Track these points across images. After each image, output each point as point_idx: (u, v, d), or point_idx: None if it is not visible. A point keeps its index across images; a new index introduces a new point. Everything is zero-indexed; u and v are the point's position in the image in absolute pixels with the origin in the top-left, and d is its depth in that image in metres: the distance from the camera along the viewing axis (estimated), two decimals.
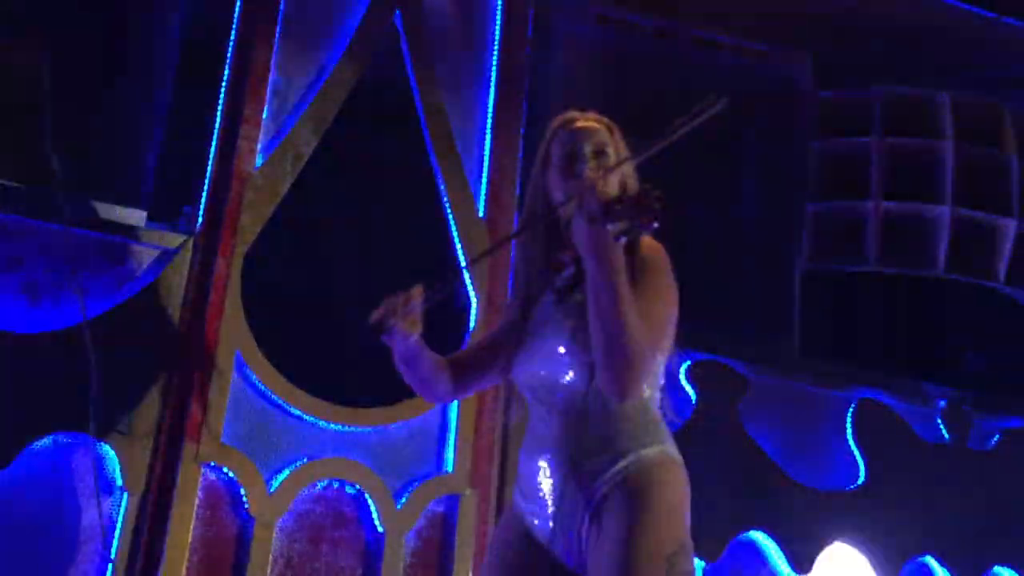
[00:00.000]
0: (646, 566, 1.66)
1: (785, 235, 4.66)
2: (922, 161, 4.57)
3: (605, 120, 1.99)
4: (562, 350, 1.84)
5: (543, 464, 1.86)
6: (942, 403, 4.53)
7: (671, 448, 1.84)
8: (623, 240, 1.64)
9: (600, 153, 1.92)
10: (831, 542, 4.06)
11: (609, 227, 1.62)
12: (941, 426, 4.48)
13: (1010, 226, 4.58)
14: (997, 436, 4.56)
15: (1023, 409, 4.64)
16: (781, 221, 4.71)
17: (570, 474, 1.80)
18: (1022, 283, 4.66)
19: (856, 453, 4.27)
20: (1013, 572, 4.42)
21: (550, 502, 1.83)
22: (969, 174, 4.55)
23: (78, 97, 3.56)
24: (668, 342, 1.84)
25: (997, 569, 4.33)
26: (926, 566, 4.20)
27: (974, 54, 5.05)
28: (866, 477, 4.21)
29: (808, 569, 3.98)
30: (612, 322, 1.66)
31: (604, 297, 1.66)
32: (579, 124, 1.96)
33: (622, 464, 1.78)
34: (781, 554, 3.96)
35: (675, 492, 1.77)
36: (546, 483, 1.84)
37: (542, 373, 1.88)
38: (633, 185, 1.91)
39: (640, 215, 1.59)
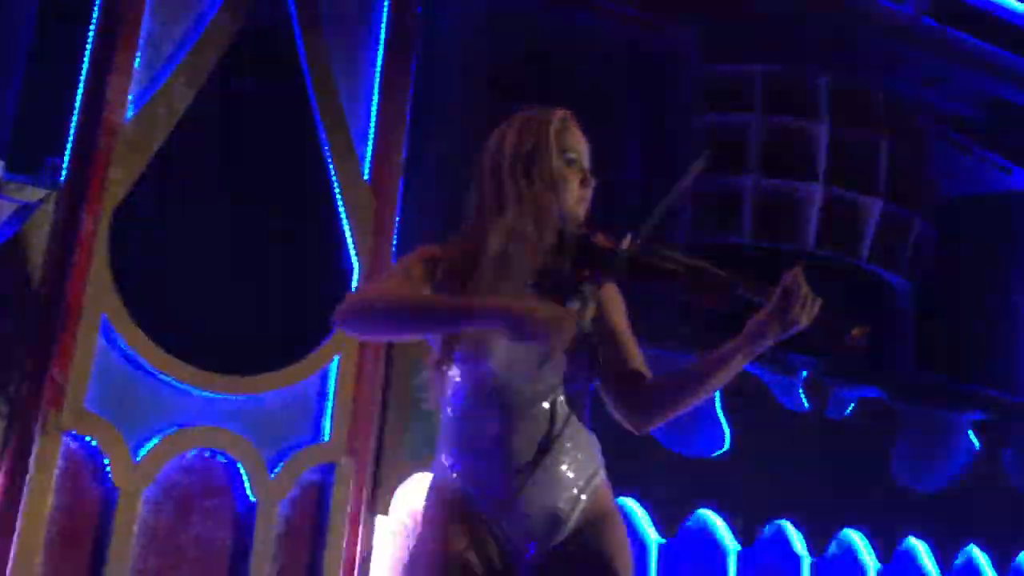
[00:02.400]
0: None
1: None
2: (799, 140, 4.71)
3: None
4: (546, 363, 1.80)
5: (510, 473, 1.78)
6: (804, 373, 4.74)
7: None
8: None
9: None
10: (696, 506, 4.23)
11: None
12: (802, 395, 4.70)
13: (876, 206, 4.78)
14: (852, 405, 4.82)
15: (877, 379, 4.92)
16: (663, 192, 4.78)
17: (543, 485, 1.77)
18: (883, 260, 4.89)
19: (723, 421, 4.44)
20: (986, 555, 4.72)
21: (516, 512, 1.77)
22: (841, 154, 4.72)
23: None
24: None
25: (910, 541, 4.62)
26: (782, 529, 4.44)
27: (857, 29, 5.21)
28: (731, 444, 4.39)
29: (674, 533, 4.15)
30: (699, 399, 1.82)
31: (720, 382, 1.79)
32: (577, 131, 1.90)
33: (597, 481, 1.81)
34: (649, 518, 4.11)
35: None
36: (511, 491, 1.78)
37: (518, 379, 1.81)
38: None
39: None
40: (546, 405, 1.81)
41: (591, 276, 1.78)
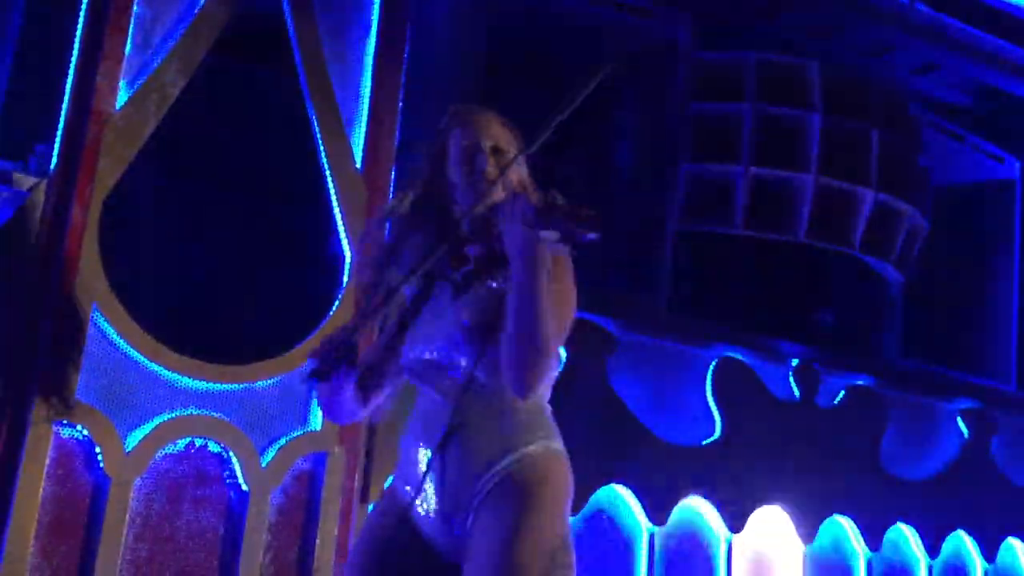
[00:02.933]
0: (528, 564, 1.70)
1: (659, 195, 4.74)
2: (791, 129, 4.70)
3: (501, 117, 1.98)
4: (457, 338, 1.83)
5: (426, 451, 1.86)
6: (794, 361, 4.76)
7: (557, 443, 1.88)
8: (561, 247, 1.69)
9: (497, 150, 1.94)
10: (686, 494, 4.25)
11: (544, 233, 1.67)
12: (792, 383, 4.72)
13: (868, 196, 4.79)
14: (842, 393, 4.85)
15: (866, 367, 4.94)
16: (655, 181, 4.78)
17: (458, 462, 1.81)
18: (875, 250, 4.90)
19: (713, 409, 4.45)
20: (974, 542, 4.75)
21: (432, 490, 1.84)
22: (833, 144, 4.72)
23: None
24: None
25: (899, 527, 4.64)
26: (771, 516, 4.46)
27: (850, 17, 5.19)
28: (721, 432, 4.41)
29: (664, 521, 4.17)
30: (531, 323, 1.73)
31: (528, 300, 1.73)
32: (476, 117, 1.97)
33: (512, 458, 1.81)
34: (640, 506, 4.12)
35: (560, 488, 1.82)
36: (427, 469, 1.84)
37: (433, 357, 1.87)
38: (527, 180, 1.93)
39: (579, 225, 1.66)
40: (450, 386, 1.86)
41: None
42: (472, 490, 1.79)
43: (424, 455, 1.86)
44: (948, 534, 4.86)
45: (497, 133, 1.96)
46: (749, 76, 4.75)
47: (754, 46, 4.83)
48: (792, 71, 4.80)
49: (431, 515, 1.84)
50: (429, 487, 1.84)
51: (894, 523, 4.73)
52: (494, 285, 1.83)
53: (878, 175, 4.78)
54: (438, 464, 1.83)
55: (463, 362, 1.84)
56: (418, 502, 1.85)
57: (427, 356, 1.88)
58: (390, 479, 2.00)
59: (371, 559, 1.89)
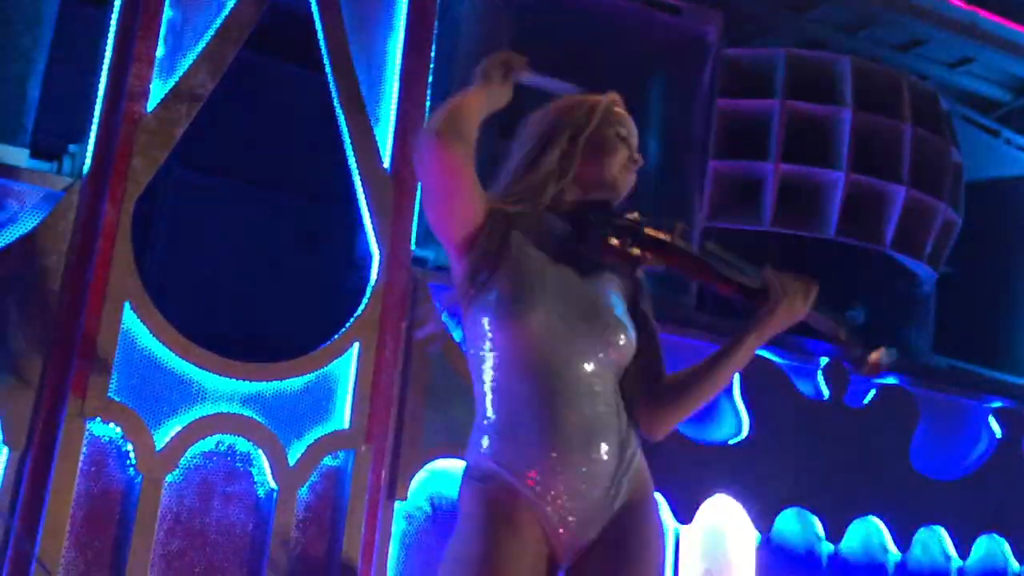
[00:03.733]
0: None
1: (686, 192, 4.73)
2: (821, 126, 4.67)
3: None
4: (629, 333, 1.82)
5: (599, 450, 1.74)
6: (823, 360, 4.73)
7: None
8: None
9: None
10: (713, 493, 4.24)
11: None
12: (821, 382, 4.68)
13: (899, 193, 4.74)
14: (872, 392, 4.80)
15: (897, 366, 4.89)
16: (682, 178, 4.76)
17: (602, 470, 1.75)
18: (906, 247, 4.85)
19: (741, 408, 4.43)
20: (1006, 543, 4.71)
21: (596, 495, 1.73)
22: (865, 141, 4.68)
23: None
24: None
25: (929, 529, 4.61)
26: (798, 515, 4.44)
27: (881, 11, 5.14)
28: (749, 431, 4.39)
29: (690, 519, 4.16)
30: (713, 393, 1.85)
31: (730, 374, 1.85)
32: (620, 111, 1.96)
33: (638, 460, 1.80)
34: (667, 505, 4.12)
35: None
36: (588, 479, 1.74)
37: (581, 337, 1.77)
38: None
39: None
40: (596, 383, 1.76)
41: (623, 252, 1.82)
42: (600, 501, 1.81)
43: (547, 463, 1.77)
44: (980, 535, 4.81)
45: (633, 130, 1.96)
46: (779, 72, 4.72)
47: (784, 42, 4.79)
48: (823, 67, 4.77)
49: (553, 529, 1.81)
50: (552, 499, 1.79)
51: (925, 524, 4.69)
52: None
53: (910, 171, 4.74)
54: (566, 473, 1.80)
55: (626, 352, 1.88)
56: (540, 516, 1.78)
57: (555, 348, 1.81)
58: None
59: None
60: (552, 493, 1.71)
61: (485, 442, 1.76)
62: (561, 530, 1.72)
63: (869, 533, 4.59)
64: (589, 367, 1.75)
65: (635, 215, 1.87)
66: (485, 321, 1.77)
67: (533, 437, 1.72)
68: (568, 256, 1.83)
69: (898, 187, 4.74)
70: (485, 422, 1.78)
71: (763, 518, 4.31)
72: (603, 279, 1.85)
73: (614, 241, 1.81)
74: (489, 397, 1.77)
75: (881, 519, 4.58)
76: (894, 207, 4.74)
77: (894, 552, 4.59)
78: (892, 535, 4.58)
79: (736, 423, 4.41)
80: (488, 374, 1.77)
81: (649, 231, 1.83)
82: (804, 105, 4.67)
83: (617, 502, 1.75)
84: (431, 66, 3.86)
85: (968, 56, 5.56)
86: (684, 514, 4.15)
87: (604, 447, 1.74)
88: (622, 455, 1.76)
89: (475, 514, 1.72)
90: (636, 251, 1.82)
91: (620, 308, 1.84)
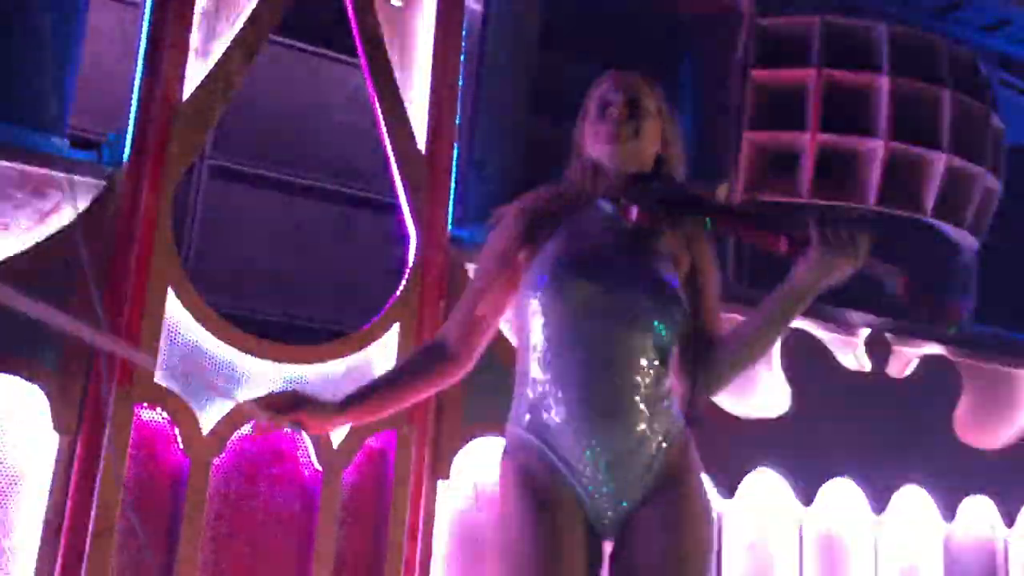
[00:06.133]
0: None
1: (721, 164, 4.68)
2: (858, 94, 4.59)
3: (647, 78, 1.91)
4: (678, 303, 1.78)
5: (637, 422, 1.74)
6: (865, 332, 4.68)
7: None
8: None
9: (633, 102, 1.84)
10: (756, 467, 4.23)
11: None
12: (863, 354, 4.64)
13: (940, 159, 4.66)
14: (914, 362, 4.75)
15: (939, 337, 4.83)
16: (717, 150, 4.72)
17: (638, 439, 1.73)
18: (947, 215, 4.77)
19: (783, 381, 4.40)
20: None
21: (635, 466, 1.73)
22: (903, 107, 4.60)
23: None
24: None
25: (973, 498, 4.56)
26: (843, 486, 4.41)
27: None
28: (791, 404, 4.36)
29: (732, 494, 4.15)
30: (764, 351, 1.81)
31: (781, 330, 1.79)
32: (616, 73, 1.90)
33: (682, 434, 1.78)
34: (710, 480, 4.10)
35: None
36: (632, 452, 1.73)
37: (624, 307, 1.76)
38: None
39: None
40: (637, 355, 1.75)
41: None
42: (637, 473, 1.80)
43: (584, 436, 1.78)
44: None
45: (637, 87, 1.86)
46: (814, 40, 4.63)
47: (819, 10, 4.71)
48: (858, 33, 4.68)
49: (590, 500, 1.81)
50: (589, 471, 1.80)
51: (969, 494, 4.64)
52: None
53: (950, 137, 4.65)
54: (604, 446, 1.80)
55: (641, 335, 1.85)
56: (578, 488, 1.80)
57: (593, 323, 1.82)
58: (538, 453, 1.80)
59: None
60: (589, 465, 1.72)
61: (524, 414, 1.79)
62: (598, 500, 1.73)
63: (914, 504, 4.55)
64: (630, 339, 1.75)
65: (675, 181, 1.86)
66: (529, 298, 1.78)
67: (572, 408, 1.73)
68: (614, 232, 1.82)
69: (938, 154, 4.65)
70: (524, 395, 1.79)
71: (807, 491, 4.29)
72: (650, 251, 1.83)
73: (653, 207, 1.79)
74: (531, 369, 1.78)
75: (925, 490, 4.55)
76: (934, 175, 4.66)
77: (940, 522, 4.56)
78: (937, 505, 4.54)
79: (778, 397, 4.38)
80: (531, 351, 1.78)
81: (688, 192, 1.81)
82: (840, 73, 4.59)
83: (658, 474, 1.74)
84: (462, 45, 3.85)
85: (1005, 18, 5.44)
86: (727, 489, 4.14)
87: (642, 419, 1.74)
88: (663, 427, 1.76)
89: (511, 486, 1.74)
90: (679, 213, 1.79)
91: (670, 278, 1.81)
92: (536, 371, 1.77)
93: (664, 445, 1.75)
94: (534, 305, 1.78)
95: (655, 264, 1.82)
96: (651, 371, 1.76)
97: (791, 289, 1.74)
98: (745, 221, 1.78)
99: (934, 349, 4.81)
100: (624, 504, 1.73)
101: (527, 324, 1.80)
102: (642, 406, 1.74)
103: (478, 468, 3.61)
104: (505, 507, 1.74)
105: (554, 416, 1.74)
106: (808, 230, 1.70)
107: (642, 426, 1.73)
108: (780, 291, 1.76)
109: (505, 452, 1.80)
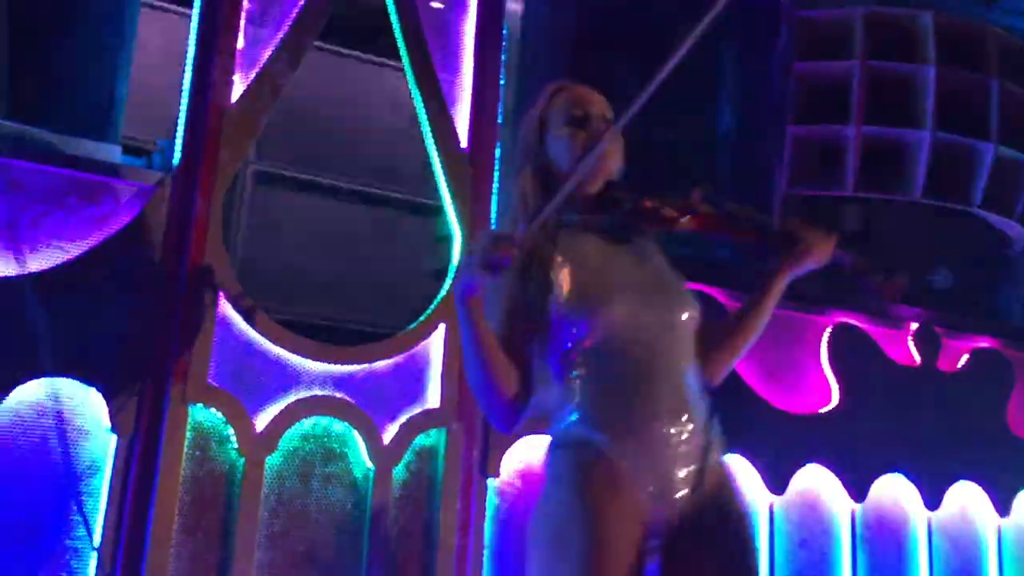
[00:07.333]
0: None
1: (764, 159, 4.66)
2: (903, 85, 4.54)
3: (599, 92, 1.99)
4: (694, 302, 1.88)
5: (675, 430, 1.76)
6: (914, 325, 4.62)
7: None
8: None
9: (604, 118, 1.91)
10: (805, 463, 4.19)
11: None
12: (912, 348, 4.58)
13: (988, 150, 4.60)
14: (965, 356, 4.68)
15: (990, 329, 4.76)
16: (760, 144, 4.69)
17: (701, 440, 1.77)
18: (996, 207, 4.71)
19: (830, 376, 4.36)
20: None
21: (684, 470, 1.75)
22: (950, 98, 4.54)
23: (42, 29, 3.41)
24: None
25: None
26: (895, 482, 4.36)
27: None
28: (839, 399, 4.32)
29: (782, 490, 4.12)
30: (756, 336, 2.00)
31: (767, 316, 2.00)
32: (572, 86, 1.97)
33: (715, 435, 1.81)
34: (758, 476, 4.08)
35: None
36: (679, 451, 1.76)
37: (657, 313, 1.81)
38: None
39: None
40: (678, 359, 1.81)
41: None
42: (701, 468, 1.85)
43: (671, 435, 1.82)
44: None
45: (600, 98, 1.94)
46: (857, 31, 4.59)
47: (862, 1, 4.67)
48: (903, 23, 4.63)
49: (669, 503, 1.83)
50: (679, 472, 1.83)
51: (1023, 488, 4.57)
52: None
53: (998, 127, 4.58)
54: (654, 449, 1.84)
55: (686, 316, 1.94)
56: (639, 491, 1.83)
57: (639, 333, 1.90)
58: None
59: None
60: (642, 468, 1.74)
61: (574, 416, 1.80)
62: (648, 503, 1.73)
63: (968, 499, 4.49)
64: (669, 344, 1.80)
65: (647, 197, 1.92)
66: (566, 322, 1.79)
67: (622, 412, 1.75)
68: (618, 244, 1.89)
69: (986, 144, 4.59)
70: (572, 404, 1.80)
71: (858, 487, 4.24)
72: (654, 255, 1.92)
73: (650, 206, 1.89)
74: (576, 387, 1.80)
75: (979, 485, 4.48)
76: (983, 165, 4.60)
77: (994, 517, 4.49)
78: (992, 500, 4.47)
79: (826, 391, 4.35)
80: (572, 370, 1.80)
81: (658, 202, 1.90)
82: (885, 64, 4.55)
83: (704, 479, 1.76)
84: (503, 44, 3.87)
85: None
86: (776, 485, 4.11)
87: (690, 423, 1.77)
88: (707, 429, 1.78)
89: (569, 476, 1.75)
90: (670, 214, 1.89)
91: (676, 279, 1.92)
92: (580, 387, 1.80)
93: (713, 449, 1.79)
94: (568, 326, 1.79)
95: (666, 269, 1.92)
96: (695, 376, 1.82)
97: (778, 276, 1.97)
98: (724, 222, 1.94)
99: (984, 343, 4.74)
100: (676, 509, 1.75)
101: (563, 345, 1.80)
102: (690, 411, 1.78)
103: (527, 465, 3.62)
104: (563, 496, 1.75)
105: (607, 422, 1.76)
106: (785, 228, 1.95)
107: (691, 431, 1.77)
108: (767, 280, 1.97)
109: (556, 446, 1.82)
